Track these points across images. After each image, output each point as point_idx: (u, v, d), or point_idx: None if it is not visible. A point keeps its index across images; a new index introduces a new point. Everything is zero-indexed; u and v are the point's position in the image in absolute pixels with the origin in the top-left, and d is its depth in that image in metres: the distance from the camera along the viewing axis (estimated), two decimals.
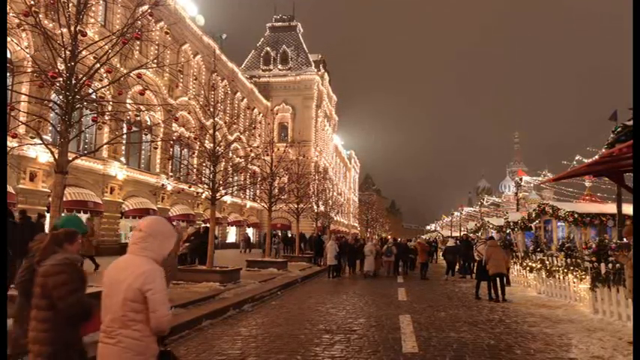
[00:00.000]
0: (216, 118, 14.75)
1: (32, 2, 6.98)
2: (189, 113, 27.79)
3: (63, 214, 5.17)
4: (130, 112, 9.88)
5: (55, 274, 2.95)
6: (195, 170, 15.13)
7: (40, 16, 7.17)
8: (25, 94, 8.26)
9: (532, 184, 35.70)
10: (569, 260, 12.82)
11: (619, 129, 9.40)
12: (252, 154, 20.89)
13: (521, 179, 33.78)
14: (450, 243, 21.95)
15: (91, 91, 7.76)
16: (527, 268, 14.85)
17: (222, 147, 14.84)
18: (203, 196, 15.34)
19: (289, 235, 35.06)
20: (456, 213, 62.12)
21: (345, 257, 19.64)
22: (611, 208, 15.32)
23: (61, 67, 7.10)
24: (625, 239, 9.95)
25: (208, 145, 14.61)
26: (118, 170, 24.40)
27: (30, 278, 3.36)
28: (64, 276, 2.95)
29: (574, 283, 11.49)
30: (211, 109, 14.87)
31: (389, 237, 33.41)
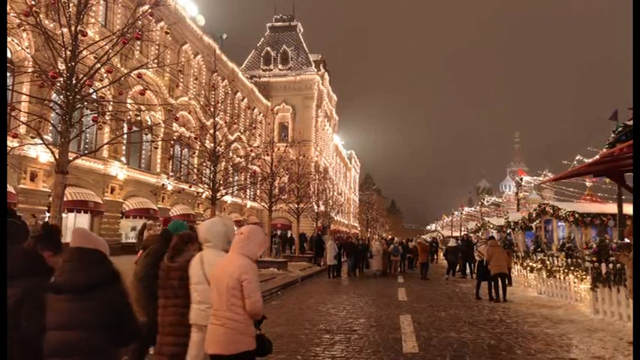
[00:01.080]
0: (216, 118, 14.77)
1: (33, 2, 6.98)
2: (189, 113, 27.81)
3: (171, 221, 5.18)
4: (130, 112, 9.89)
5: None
6: (195, 170, 15.15)
7: (41, 16, 7.17)
8: (26, 94, 8.27)
9: (532, 184, 35.68)
10: (569, 260, 12.81)
11: (619, 129, 9.38)
12: (253, 154, 20.92)
13: (521, 179, 33.77)
14: (451, 243, 21.96)
15: (91, 91, 7.76)
16: (528, 268, 14.84)
17: (222, 147, 14.86)
18: (203, 195, 15.36)
19: (289, 236, 35.04)
20: (456, 213, 62.12)
21: (351, 258, 19.59)
22: (611, 208, 15.29)
23: (62, 67, 7.10)
24: (626, 239, 9.94)
25: (209, 144, 14.63)
26: (119, 170, 24.40)
27: (155, 273, 3.87)
28: None
29: (575, 283, 11.49)
30: (212, 109, 14.88)
31: (395, 237, 33.82)
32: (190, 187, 15.36)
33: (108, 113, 8.71)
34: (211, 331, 3.27)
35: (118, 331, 2.49)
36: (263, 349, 3.33)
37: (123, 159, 24.91)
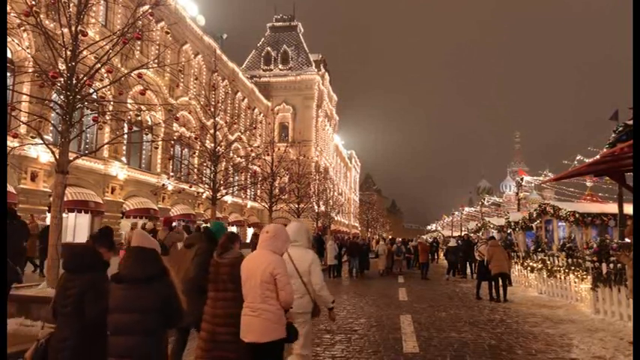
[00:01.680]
0: (216, 118, 14.76)
1: (33, 2, 6.98)
2: (189, 113, 27.81)
3: (212, 222, 5.34)
4: (130, 112, 9.89)
5: (239, 264, 3.86)
6: (195, 170, 15.15)
7: (41, 16, 7.17)
8: (26, 94, 8.27)
9: (533, 184, 35.65)
10: (570, 260, 12.79)
11: (620, 128, 9.37)
12: (253, 154, 20.92)
13: (522, 179, 33.74)
14: (452, 243, 21.97)
15: (91, 91, 7.76)
16: (529, 268, 14.83)
17: (222, 147, 14.86)
18: (204, 195, 15.36)
19: None
20: (456, 213, 62.10)
21: (356, 259, 19.57)
22: (612, 207, 15.28)
23: (62, 67, 7.10)
24: (626, 239, 9.93)
25: (209, 144, 14.62)
26: (119, 170, 24.41)
27: (205, 270, 4.24)
28: None
29: (575, 283, 11.48)
30: (212, 109, 14.88)
31: (397, 238, 34.27)
32: (191, 187, 15.37)
33: (108, 113, 8.71)
34: (247, 322, 3.61)
35: (165, 315, 3.01)
36: (290, 337, 3.70)
37: (123, 159, 24.92)
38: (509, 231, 21.98)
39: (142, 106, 9.91)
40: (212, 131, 14.57)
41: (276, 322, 3.56)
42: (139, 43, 22.38)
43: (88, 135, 20.48)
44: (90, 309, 3.08)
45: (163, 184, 24.92)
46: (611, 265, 9.67)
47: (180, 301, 3.16)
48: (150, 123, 22.77)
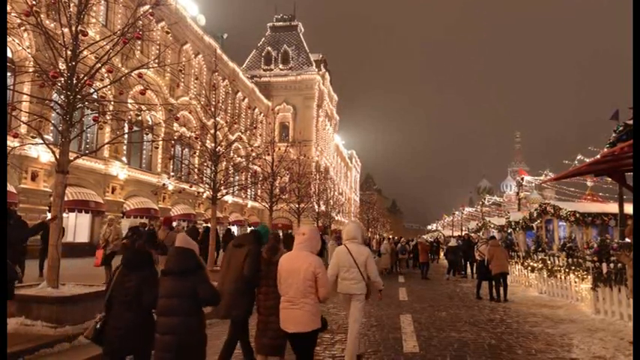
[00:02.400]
0: (217, 118, 14.74)
1: (33, 2, 6.97)
2: (190, 113, 27.81)
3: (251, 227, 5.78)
4: (131, 112, 9.88)
5: None
6: (196, 170, 15.13)
7: (42, 16, 7.17)
8: (27, 94, 8.27)
9: (533, 184, 35.62)
10: (570, 260, 12.79)
11: (620, 128, 9.37)
12: (253, 154, 20.90)
13: (522, 179, 33.75)
14: (452, 243, 21.98)
15: (92, 90, 7.75)
16: (529, 268, 14.83)
17: (223, 147, 14.84)
18: (204, 195, 15.34)
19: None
20: (457, 213, 62.08)
21: None
22: (612, 207, 15.29)
23: (62, 66, 7.09)
24: (627, 239, 9.93)
25: (209, 144, 14.61)
26: (120, 170, 24.42)
27: (257, 269, 4.87)
28: None
29: (575, 283, 11.47)
30: (212, 109, 14.86)
31: (402, 238, 34.62)
32: (191, 186, 15.34)
33: (108, 113, 8.70)
34: (289, 314, 4.07)
35: (201, 299, 3.75)
36: (324, 327, 4.27)
37: (124, 159, 24.93)
38: (509, 231, 21.98)
39: (143, 106, 9.91)
40: (212, 131, 14.55)
41: (315, 314, 4.06)
42: (139, 42, 22.40)
43: (88, 135, 20.50)
44: (147, 297, 3.81)
45: (164, 184, 24.94)
46: (612, 265, 9.67)
47: (213, 289, 3.89)
48: (150, 123, 22.78)
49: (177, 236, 4.19)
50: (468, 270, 19.90)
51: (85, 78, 7.20)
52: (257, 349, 4.82)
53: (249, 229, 42.28)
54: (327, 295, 4.13)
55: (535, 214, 18.78)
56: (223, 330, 5.47)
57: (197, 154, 21.83)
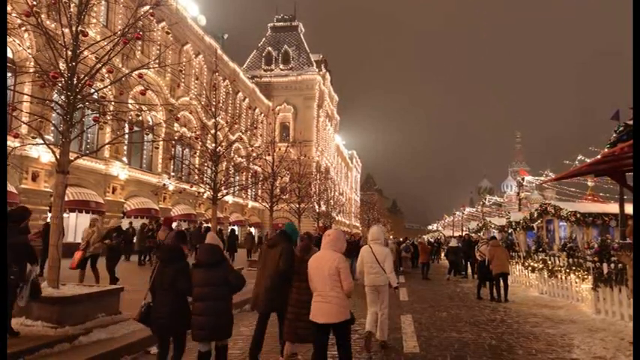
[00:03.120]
0: (217, 118, 14.74)
1: (34, 2, 6.98)
2: (190, 113, 27.83)
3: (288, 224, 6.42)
4: (131, 112, 9.88)
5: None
6: (196, 170, 15.13)
7: (42, 16, 7.16)
8: (27, 95, 8.27)
9: (534, 184, 35.58)
10: (571, 260, 12.78)
11: (621, 128, 9.36)
12: (254, 154, 20.91)
13: (523, 179, 33.72)
14: (453, 243, 21.95)
15: (92, 91, 7.75)
16: (530, 268, 14.81)
17: (223, 147, 14.84)
18: (205, 196, 15.32)
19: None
20: (457, 213, 62.04)
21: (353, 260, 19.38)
22: (613, 207, 15.27)
23: (63, 67, 7.09)
24: (628, 239, 9.92)
25: (210, 145, 14.61)
26: (120, 170, 24.43)
27: (291, 266, 5.42)
28: None
29: (576, 283, 11.46)
30: (213, 109, 14.86)
31: (407, 237, 34.66)
32: (191, 187, 15.33)
33: (109, 113, 8.70)
34: (319, 307, 4.52)
35: (228, 286, 4.63)
36: (352, 319, 4.71)
37: (124, 159, 24.94)
38: (510, 231, 21.97)
39: (143, 107, 9.91)
40: (213, 131, 14.55)
41: (343, 305, 4.51)
42: (139, 43, 22.41)
43: (88, 135, 20.50)
44: (181, 285, 4.55)
45: (164, 184, 24.95)
46: (612, 265, 9.66)
47: (240, 276, 4.76)
48: (151, 123, 22.79)
49: (208, 235, 5.07)
50: (469, 270, 19.88)
51: (86, 78, 7.20)
52: (290, 338, 5.35)
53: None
54: (350, 288, 4.57)
55: (536, 215, 18.77)
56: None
57: (197, 154, 21.84)
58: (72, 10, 7.23)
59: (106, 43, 7.52)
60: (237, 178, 21.50)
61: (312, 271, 4.68)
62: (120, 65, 9.80)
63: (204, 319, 4.51)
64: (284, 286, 5.42)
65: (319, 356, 4.58)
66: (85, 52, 7.44)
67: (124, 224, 19.96)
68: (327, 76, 60.21)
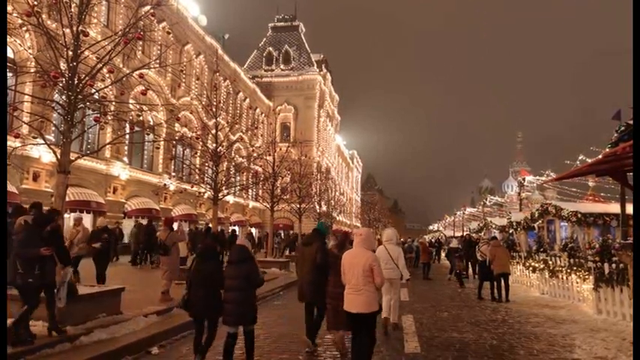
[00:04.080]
0: (218, 118, 14.76)
1: (35, 2, 6.98)
2: (191, 113, 27.83)
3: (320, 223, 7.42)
4: (132, 112, 9.88)
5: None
6: (197, 170, 15.14)
7: (43, 16, 7.17)
8: (28, 95, 8.28)
9: (535, 184, 35.52)
10: (572, 260, 12.77)
11: (622, 128, 9.34)
12: (255, 154, 20.93)
13: (524, 179, 33.67)
14: (453, 244, 21.92)
15: (93, 91, 7.75)
16: (531, 269, 14.79)
17: (224, 147, 14.85)
18: (205, 196, 15.35)
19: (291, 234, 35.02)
20: (458, 213, 61.99)
21: None
22: (614, 207, 15.25)
23: (64, 67, 7.09)
24: (629, 239, 9.90)
25: (211, 145, 14.62)
26: (121, 170, 24.43)
27: (327, 261, 6.24)
28: None
29: (577, 283, 11.44)
30: (213, 109, 14.88)
31: (408, 238, 34.61)
32: (192, 187, 15.35)
33: (110, 113, 8.71)
34: (353, 298, 5.01)
35: (252, 280, 5.41)
36: (379, 311, 5.23)
37: (125, 159, 24.94)
38: (511, 231, 21.94)
39: (144, 107, 9.90)
40: (214, 131, 14.57)
41: (374, 298, 5.02)
42: (140, 43, 22.40)
43: (89, 135, 20.49)
44: (215, 279, 5.40)
45: (165, 184, 24.94)
46: (614, 266, 9.64)
47: (259, 276, 5.57)
48: (152, 123, 22.77)
49: (239, 238, 5.98)
50: (470, 270, 19.84)
51: (87, 78, 7.21)
52: (331, 325, 6.20)
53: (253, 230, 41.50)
54: (381, 283, 5.17)
55: (537, 215, 18.75)
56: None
57: (198, 154, 21.85)
58: (73, 10, 7.24)
59: (106, 43, 7.53)
60: (238, 178, 21.53)
61: (346, 266, 5.16)
62: (121, 65, 9.79)
63: (232, 307, 5.32)
64: (321, 278, 6.26)
65: (356, 342, 5.10)
66: (86, 52, 7.44)
67: (126, 224, 19.95)
68: (328, 76, 60.18)
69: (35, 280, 5.63)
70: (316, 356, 6.38)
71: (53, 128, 9.43)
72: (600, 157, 10.33)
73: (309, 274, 6.35)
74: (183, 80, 29.70)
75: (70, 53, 7.06)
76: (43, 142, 7.45)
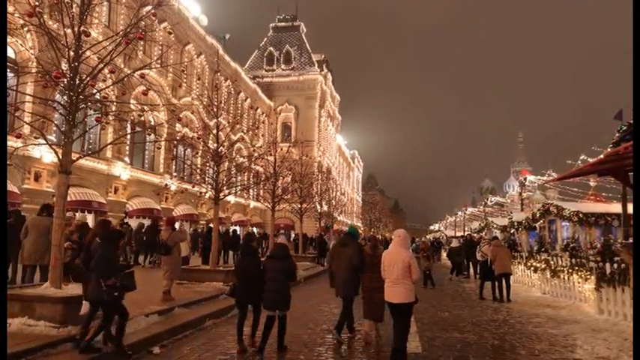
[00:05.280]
0: (219, 118, 14.75)
1: (36, 3, 6.98)
2: (192, 113, 27.82)
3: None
4: (133, 113, 9.88)
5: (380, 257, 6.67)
6: (198, 170, 15.14)
7: (44, 16, 7.17)
8: (30, 95, 8.29)
9: (536, 184, 35.48)
10: (573, 260, 12.75)
11: (624, 128, 9.33)
12: (256, 154, 20.91)
13: (525, 179, 33.64)
14: (454, 244, 21.91)
15: (94, 91, 7.76)
16: (532, 268, 14.78)
17: (225, 147, 14.84)
18: (206, 196, 15.33)
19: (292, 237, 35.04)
20: (459, 213, 61.93)
21: None
22: (616, 207, 15.24)
23: (65, 67, 7.10)
24: (631, 239, 9.88)
25: (212, 145, 14.62)
26: (122, 170, 24.45)
27: (362, 260, 7.10)
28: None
29: (579, 283, 11.43)
30: (214, 109, 14.87)
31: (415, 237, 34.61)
32: (193, 187, 15.33)
33: (111, 113, 8.71)
34: (393, 290, 5.77)
35: (290, 274, 6.45)
36: (416, 300, 5.88)
37: (126, 159, 24.96)
38: (512, 231, 21.94)
39: (145, 107, 9.90)
40: (215, 131, 14.57)
41: (411, 290, 5.73)
42: (141, 43, 22.40)
43: (91, 135, 20.50)
44: (255, 271, 6.48)
45: (166, 184, 24.92)
46: (615, 265, 9.63)
47: (293, 272, 6.56)
48: (153, 123, 22.78)
49: (279, 237, 7.55)
50: (471, 270, 19.83)
51: (88, 78, 7.21)
52: (367, 315, 7.12)
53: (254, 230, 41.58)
54: (418, 277, 5.91)
55: (538, 215, 18.75)
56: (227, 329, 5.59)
57: (199, 154, 21.84)
58: (74, 10, 7.24)
59: (108, 44, 7.53)
60: (239, 178, 21.49)
61: (387, 263, 5.91)
62: (122, 65, 9.80)
63: (271, 295, 6.28)
64: (356, 277, 7.10)
65: (397, 328, 5.81)
66: (88, 53, 7.44)
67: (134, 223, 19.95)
68: (329, 75, 60.14)
69: (120, 293, 5.87)
70: (318, 356, 6.38)
71: (55, 128, 9.44)
72: (602, 156, 10.31)
73: (344, 271, 7.13)
74: (185, 80, 29.71)
75: (72, 53, 7.06)
76: (45, 142, 7.45)
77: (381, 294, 6.04)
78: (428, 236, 56.16)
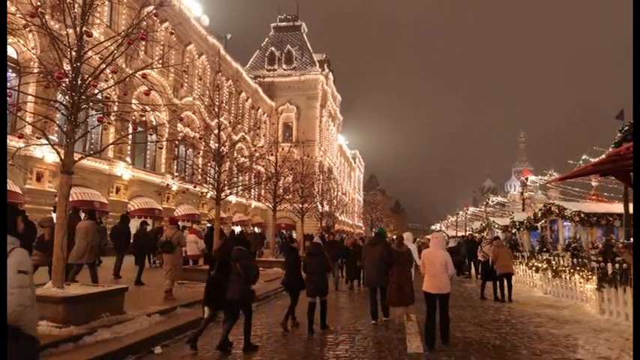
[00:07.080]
0: (220, 118, 14.77)
1: (38, 3, 7.00)
2: (194, 113, 27.85)
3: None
4: (135, 113, 9.89)
5: (409, 254, 8.95)
6: (200, 170, 15.16)
7: (46, 17, 7.18)
8: (32, 95, 8.31)
9: (538, 184, 35.47)
10: (575, 260, 12.74)
11: (626, 127, 9.32)
12: (257, 154, 20.94)
13: (526, 179, 33.62)
14: (451, 244, 21.86)
15: (96, 91, 7.78)
16: (533, 269, 14.76)
17: (226, 147, 14.87)
18: (208, 196, 15.37)
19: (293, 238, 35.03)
20: (460, 213, 61.90)
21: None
22: (617, 207, 15.20)
23: (67, 67, 7.11)
24: (632, 239, 9.86)
25: (213, 145, 14.64)
26: (124, 170, 24.50)
27: (390, 255, 8.63)
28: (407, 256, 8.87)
29: (580, 283, 11.41)
30: (216, 109, 14.90)
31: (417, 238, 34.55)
32: (195, 187, 15.36)
33: (113, 114, 8.73)
34: (433, 282, 6.89)
35: (326, 266, 8.34)
36: (450, 293, 7.02)
37: (128, 159, 25.02)
38: (514, 231, 21.91)
39: (147, 107, 9.91)
40: (216, 131, 14.60)
41: (448, 283, 6.94)
42: (143, 43, 22.44)
43: (93, 135, 20.56)
44: (293, 265, 8.14)
45: (168, 184, 24.96)
46: (617, 266, 9.62)
47: (326, 264, 8.29)
48: (154, 123, 22.81)
49: (315, 237, 9.38)
50: (472, 270, 19.81)
51: (90, 79, 7.22)
52: (396, 303, 8.49)
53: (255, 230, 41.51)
54: (453, 272, 7.24)
55: (539, 214, 18.70)
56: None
57: (201, 154, 21.87)
58: (76, 10, 7.26)
59: (110, 44, 7.54)
60: (241, 178, 21.52)
61: (426, 261, 7.05)
62: (124, 66, 9.82)
63: (312, 285, 7.84)
64: (386, 269, 8.52)
65: (430, 315, 6.80)
66: (89, 53, 7.46)
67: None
68: (330, 75, 60.16)
69: (251, 294, 6.79)
70: (318, 356, 6.38)
71: (57, 129, 9.46)
72: (604, 156, 10.30)
73: (377, 265, 8.61)
74: (186, 80, 29.75)
75: (74, 54, 7.08)
76: (47, 142, 7.47)
77: (409, 284, 8.26)
78: (427, 236, 56.03)
